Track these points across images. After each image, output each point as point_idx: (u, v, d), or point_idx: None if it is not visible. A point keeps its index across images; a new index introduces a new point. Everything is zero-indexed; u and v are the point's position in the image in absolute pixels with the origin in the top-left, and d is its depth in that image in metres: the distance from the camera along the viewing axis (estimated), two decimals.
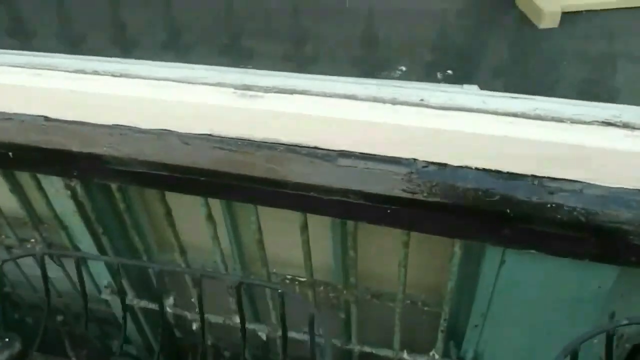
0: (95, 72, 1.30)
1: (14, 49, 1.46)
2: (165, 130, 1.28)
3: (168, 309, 2.06)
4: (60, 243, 2.33)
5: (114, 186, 1.70)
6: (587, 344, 1.24)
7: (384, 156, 1.16)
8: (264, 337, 1.99)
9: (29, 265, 2.67)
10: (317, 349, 1.80)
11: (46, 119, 1.37)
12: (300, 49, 1.76)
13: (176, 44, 1.73)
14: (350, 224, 1.52)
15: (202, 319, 1.45)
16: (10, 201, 2.26)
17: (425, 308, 1.91)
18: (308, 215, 1.50)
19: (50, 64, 1.34)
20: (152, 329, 2.31)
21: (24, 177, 2.18)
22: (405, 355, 1.86)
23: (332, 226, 1.79)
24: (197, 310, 2.02)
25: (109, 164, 1.36)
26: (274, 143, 1.22)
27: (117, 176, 1.41)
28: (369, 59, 1.26)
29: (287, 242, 1.84)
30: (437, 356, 1.84)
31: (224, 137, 1.25)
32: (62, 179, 1.77)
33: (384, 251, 1.78)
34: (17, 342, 1.22)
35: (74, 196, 1.82)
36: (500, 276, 1.50)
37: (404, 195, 1.17)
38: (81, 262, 1.44)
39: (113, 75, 1.29)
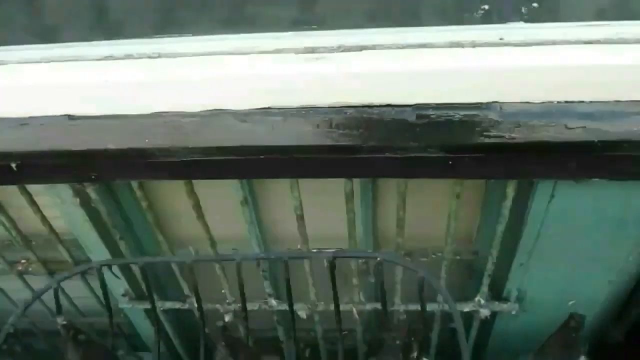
0: (129, 56, 1.16)
1: (23, 44, 1.27)
2: (217, 110, 1.17)
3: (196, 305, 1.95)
4: (57, 259, 2.15)
5: (134, 184, 1.56)
6: None
7: (464, 103, 1.12)
8: (304, 316, 1.93)
9: (14, 290, 2.45)
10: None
11: (70, 117, 1.21)
12: None
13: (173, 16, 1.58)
14: (401, 183, 1.48)
15: (244, 303, 1.36)
16: None
17: (466, 258, 1.92)
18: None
19: (72, 55, 1.18)
20: (175, 330, 2.19)
21: (8, 192, 1.97)
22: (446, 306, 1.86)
23: (363, 189, 1.74)
24: (227, 301, 1.94)
25: (152, 158, 1.23)
26: (343, 107, 1.14)
27: (159, 170, 1.29)
28: (447, 2, 1.20)
29: (320, 214, 1.78)
30: (482, 301, 1.86)
31: (285, 109, 1.16)
32: (70, 186, 1.60)
33: (421, 208, 1.75)
34: None
35: (85, 203, 1.66)
36: (549, 211, 1.52)
37: (487, 141, 1.13)
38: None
39: (150, 57, 1.15)
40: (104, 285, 1.33)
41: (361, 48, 1.10)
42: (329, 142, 1.16)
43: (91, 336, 2.26)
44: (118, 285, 1.98)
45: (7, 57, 1.32)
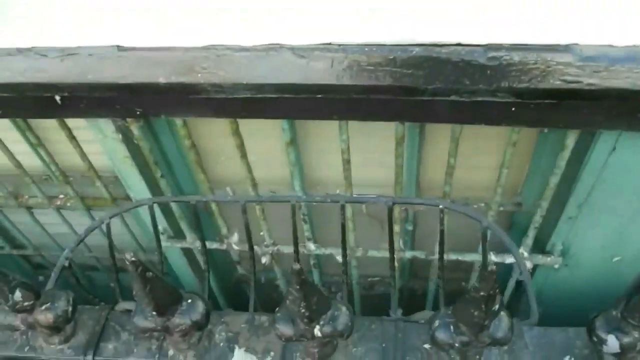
0: None
1: None
2: (274, 44, 1.10)
3: (234, 246, 1.95)
4: (95, 195, 2.15)
5: (178, 122, 1.52)
6: None
7: (540, 45, 1.04)
8: (339, 259, 1.92)
9: (52, 224, 2.48)
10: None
11: (120, 48, 1.16)
12: None
13: None
14: (456, 129, 1.42)
15: (296, 245, 1.33)
16: (30, 157, 2.04)
17: (509, 209, 1.88)
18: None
19: None
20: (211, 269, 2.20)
21: (46, 128, 1.95)
22: (492, 256, 1.83)
23: (411, 134, 1.68)
24: (265, 243, 1.93)
25: (202, 93, 1.18)
26: (409, 45, 1.07)
27: (208, 107, 1.24)
28: None
29: (364, 158, 1.74)
30: (525, 253, 1.82)
31: (346, 45, 1.09)
32: (112, 122, 1.57)
33: (470, 155, 1.69)
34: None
35: (127, 140, 1.62)
36: (608, 164, 1.45)
37: (562, 86, 1.06)
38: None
39: None
40: (154, 223, 1.31)
41: None
42: (390, 82, 1.09)
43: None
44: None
45: None
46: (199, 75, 1.15)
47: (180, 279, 2.35)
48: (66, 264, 1.15)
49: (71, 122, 1.75)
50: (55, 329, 0.93)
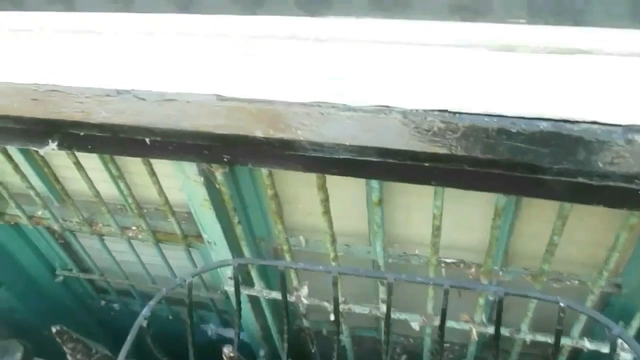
0: (293, 37, 1.03)
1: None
2: (383, 106, 1.02)
3: (303, 299, 1.86)
4: (166, 230, 2.13)
5: (264, 171, 1.46)
6: None
7: None
8: (417, 328, 1.79)
9: (120, 252, 2.48)
10: None
11: (219, 97, 1.11)
12: None
13: None
14: (565, 206, 1.28)
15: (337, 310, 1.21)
16: (108, 186, 2.05)
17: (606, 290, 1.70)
18: None
19: (218, 31, 1.07)
20: (274, 318, 2.12)
21: (127, 160, 1.95)
22: (586, 343, 1.65)
23: (507, 206, 1.56)
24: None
25: (299, 150, 1.11)
26: (535, 119, 0.96)
27: (302, 162, 1.17)
28: None
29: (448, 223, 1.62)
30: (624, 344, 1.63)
31: (463, 113, 0.99)
32: (196, 165, 1.53)
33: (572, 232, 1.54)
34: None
35: (209, 184, 1.58)
36: None
37: None
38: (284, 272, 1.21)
39: (317, 40, 1.02)
40: (237, 285, 1.24)
41: (574, 51, 0.91)
42: (509, 157, 0.99)
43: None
44: (225, 269, 1.92)
45: (155, 28, 1.25)
46: (299, 132, 1.08)
47: (243, 325, 2.27)
48: (144, 324, 1.10)
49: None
50: None
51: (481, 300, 1.66)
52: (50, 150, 1.46)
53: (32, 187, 2.05)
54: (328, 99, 1.06)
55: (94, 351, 0.75)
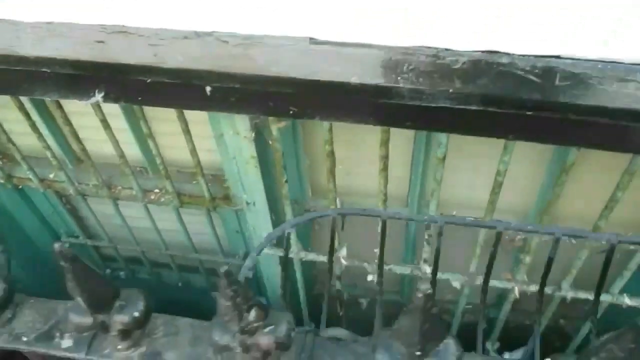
0: None
1: None
2: (493, 51, 0.99)
3: (342, 260, 1.84)
4: (191, 192, 2.05)
5: (325, 125, 1.41)
6: None
7: None
8: (457, 286, 1.80)
9: (131, 218, 2.39)
10: None
11: (312, 41, 1.06)
12: None
13: None
14: (637, 161, 1.29)
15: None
16: (130, 148, 1.95)
17: None
18: None
19: None
20: (305, 282, 2.09)
21: (159, 119, 1.86)
22: (626, 299, 1.69)
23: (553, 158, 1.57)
24: (376, 261, 1.81)
25: (396, 99, 1.07)
26: None
27: (386, 114, 1.13)
28: None
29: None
30: None
31: (576, 59, 0.97)
32: (249, 119, 1.47)
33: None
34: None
35: (259, 139, 1.52)
36: None
37: None
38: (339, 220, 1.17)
39: None
40: (333, 235, 1.19)
41: None
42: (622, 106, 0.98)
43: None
44: (263, 230, 1.87)
45: None
46: (399, 78, 1.04)
47: (266, 286, 2.24)
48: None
49: (190, 115, 1.67)
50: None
51: (527, 258, 1.68)
52: (93, 102, 1.38)
53: (48, 148, 1.93)
54: (432, 43, 1.02)
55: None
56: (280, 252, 1.90)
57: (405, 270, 1.80)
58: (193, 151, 1.79)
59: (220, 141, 1.74)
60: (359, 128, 1.44)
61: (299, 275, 2.01)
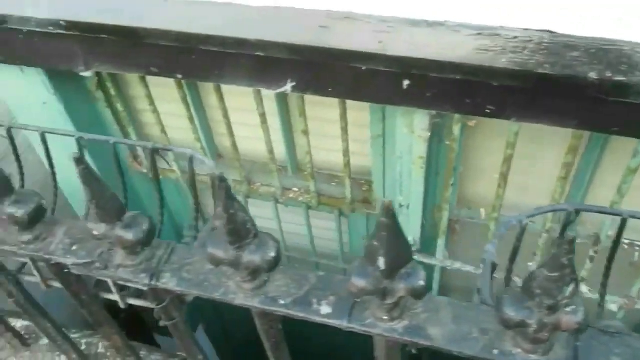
0: None
1: None
2: None
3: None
4: (330, 194, 2.06)
5: (514, 129, 1.39)
6: None
7: None
8: (614, 309, 1.71)
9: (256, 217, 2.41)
10: None
11: (554, 34, 1.04)
12: None
13: None
14: None
15: None
16: (277, 146, 1.98)
17: None
18: None
19: None
20: None
21: (315, 118, 1.89)
22: None
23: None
24: None
25: (631, 97, 1.04)
26: None
27: (610, 115, 1.10)
28: None
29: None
30: None
31: None
32: (429, 117, 1.46)
33: None
34: None
35: (434, 139, 1.52)
36: None
37: None
38: None
39: None
40: (519, 239, 1.12)
41: None
42: None
43: None
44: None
45: None
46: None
47: None
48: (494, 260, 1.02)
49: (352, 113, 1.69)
50: None
51: None
52: (279, 91, 1.41)
53: (199, 140, 1.99)
54: None
55: None
56: (426, 259, 1.88)
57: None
58: (346, 151, 1.80)
59: (377, 142, 1.75)
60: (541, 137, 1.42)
61: (435, 286, 1.97)
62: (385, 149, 1.75)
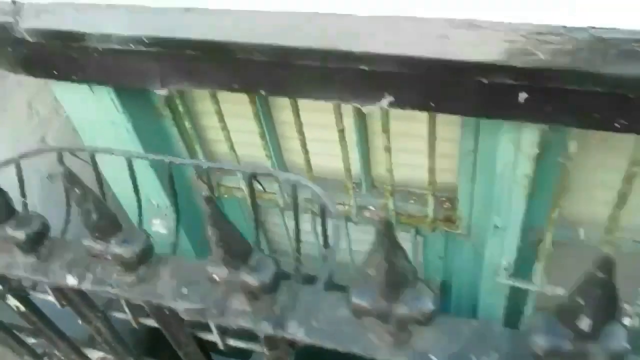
0: None
1: None
2: None
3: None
4: (409, 212, 1.94)
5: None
6: None
7: None
8: None
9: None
10: None
11: None
12: None
13: None
14: None
15: None
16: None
17: None
18: None
19: None
20: None
21: (397, 134, 1.76)
22: None
23: None
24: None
25: None
26: None
27: None
28: None
29: None
30: None
31: None
32: (540, 134, 1.32)
33: None
34: None
35: (541, 157, 1.38)
36: None
37: None
38: None
39: None
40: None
41: None
42: None
43: None
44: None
45: None
46: None
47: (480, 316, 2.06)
48: None
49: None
50: None
51: None
52: (375, 108, 1.30)
53: (270, 157, 1.89)
54: None
55: None
56: (518, 283, 1.73)
57: None
58: (432, 168, 1.68)
59: (467, 158, 1.63)
60: None
61: (526, 310, 1.83)
62: (476, 165, 1.62)
